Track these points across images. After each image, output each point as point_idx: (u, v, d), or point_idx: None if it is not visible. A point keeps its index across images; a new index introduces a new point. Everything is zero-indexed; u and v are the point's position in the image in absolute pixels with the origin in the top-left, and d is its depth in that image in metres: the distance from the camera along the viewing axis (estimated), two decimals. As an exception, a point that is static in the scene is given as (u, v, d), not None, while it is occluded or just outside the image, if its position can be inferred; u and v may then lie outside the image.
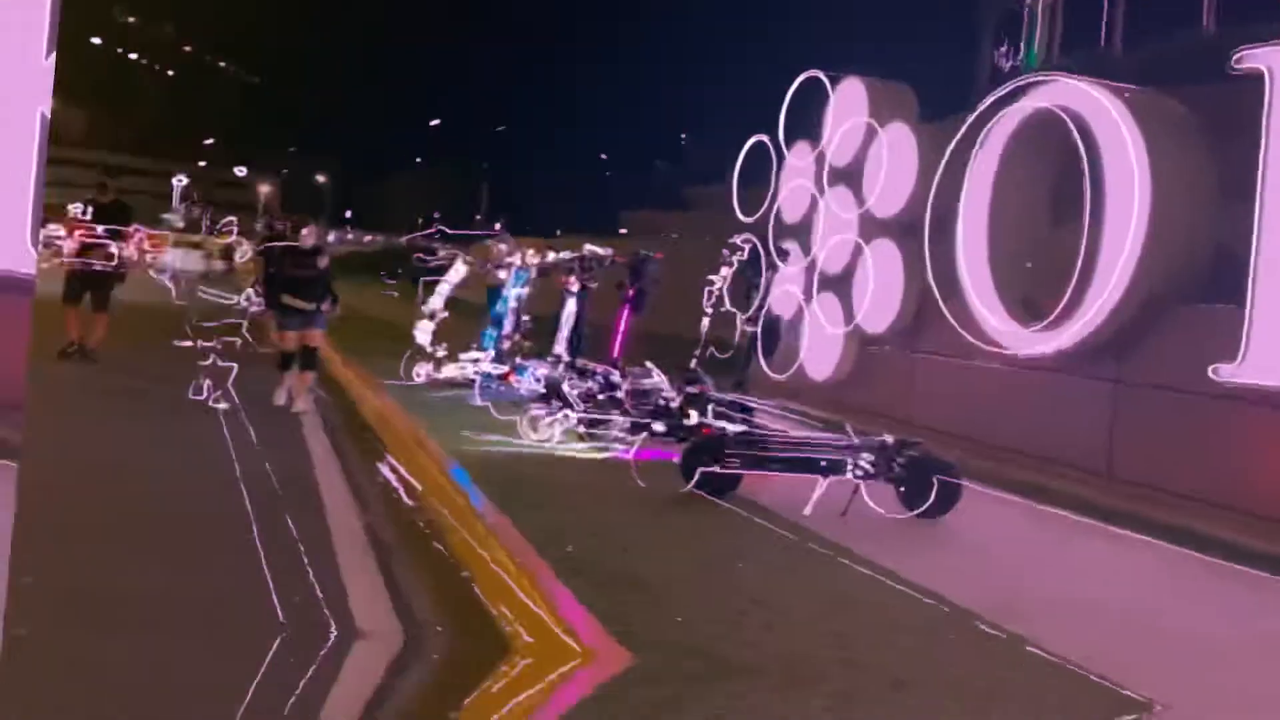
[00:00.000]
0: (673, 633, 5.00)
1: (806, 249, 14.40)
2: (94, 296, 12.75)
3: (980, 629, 5.49)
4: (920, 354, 13.04)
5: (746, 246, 10.62)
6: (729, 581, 6.00)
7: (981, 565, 7.06)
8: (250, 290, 10.86)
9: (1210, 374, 8.55)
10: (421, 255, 11.92)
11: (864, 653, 4.95)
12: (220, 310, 10.41)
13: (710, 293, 10.45)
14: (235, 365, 10.53)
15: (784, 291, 13.80)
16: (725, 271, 10.42)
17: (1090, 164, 9.68)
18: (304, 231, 10.92)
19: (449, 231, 11.98)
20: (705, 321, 10.52)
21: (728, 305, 10.53)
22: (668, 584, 5.79)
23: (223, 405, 10.10)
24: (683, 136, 74.98)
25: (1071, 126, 9.85)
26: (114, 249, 11.95)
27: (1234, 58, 8.58)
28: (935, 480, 7.78)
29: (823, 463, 7.87)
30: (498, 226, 13.58)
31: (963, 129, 11.29)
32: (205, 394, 10.23)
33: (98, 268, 12.28)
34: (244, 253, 11.06)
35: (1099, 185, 9.64)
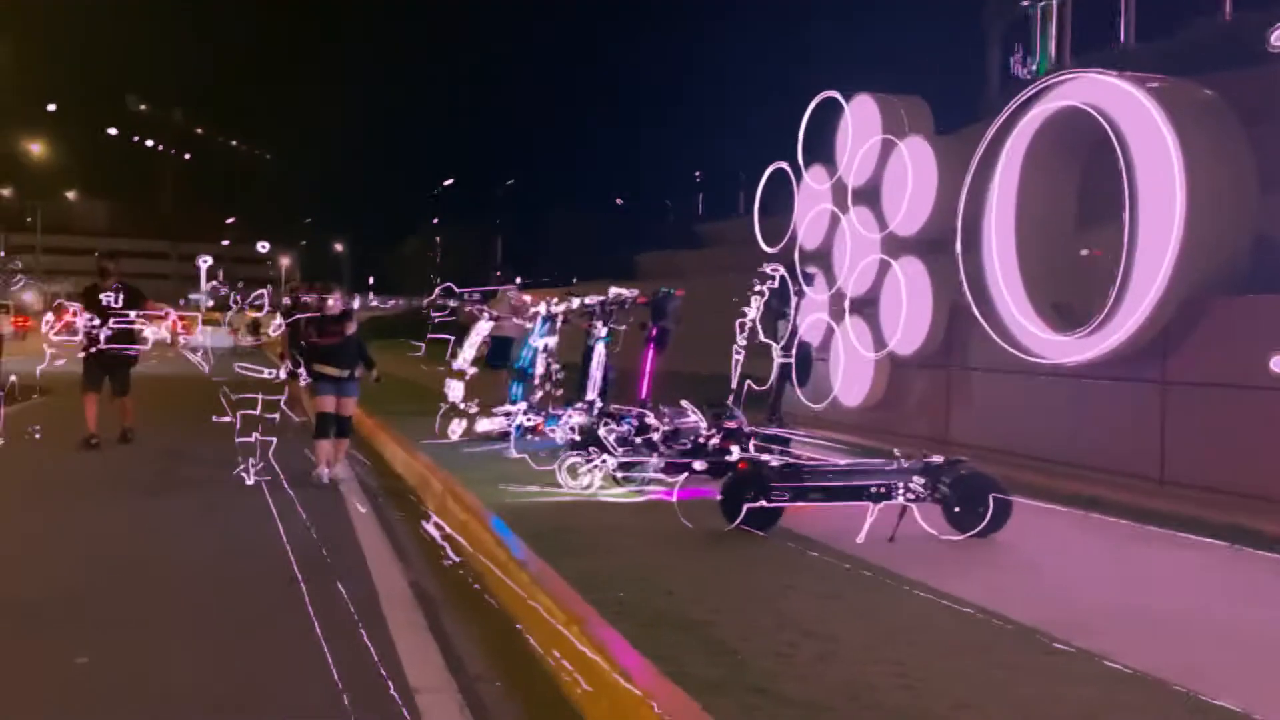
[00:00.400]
0: (727, 671, 4.86)
1: (831, 273, 14.30)
2: (114, 382, 12.99)
3: (1046, 645, 5.33)
4: (955, 370, 12.88)
5: (776, 275, 10.49)
6: (779, 614, 5.85)
7: (1038, 581, 6.89)
8: (285, 365, 10.85)
9: (1273, 367, 8.36)
10: (431, 314, 11.91)
11: (925, 678, 4.80)
12: (257, 384, 10.41)
13: (741, 325, 10.33)
14: (276, 439, 10.54)
15: (812, 318, 13.69)
16: (756, 302, 10.29)
17: (1124, 159, 9.48)
18: (330, 298, 10.93)
19: (456, 289, 11.95)
20: (739, 355, 10.38)
21: (761, 336, 10.41)
22: (717, 621, 5.66)
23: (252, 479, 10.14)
24: (696, 175, 75.38)
25: (1103, 121, 9.62)
26: (84, 325, 12.01)
27: (1272, 35, 8.41)
28: (989, 498, 7.62)
29: (871, 489, 7.73)
30: (517, 280, 13.56)
31: (988, 134, 11.14)
32: (250, 473, 10.25)
33: (112, 352, 12.35)
34: (276, 326, 11.00)
35: (1133, 180, 9.44)
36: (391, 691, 5.04)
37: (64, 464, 12.01)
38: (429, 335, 11.92)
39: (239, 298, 12.13)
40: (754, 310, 10.32)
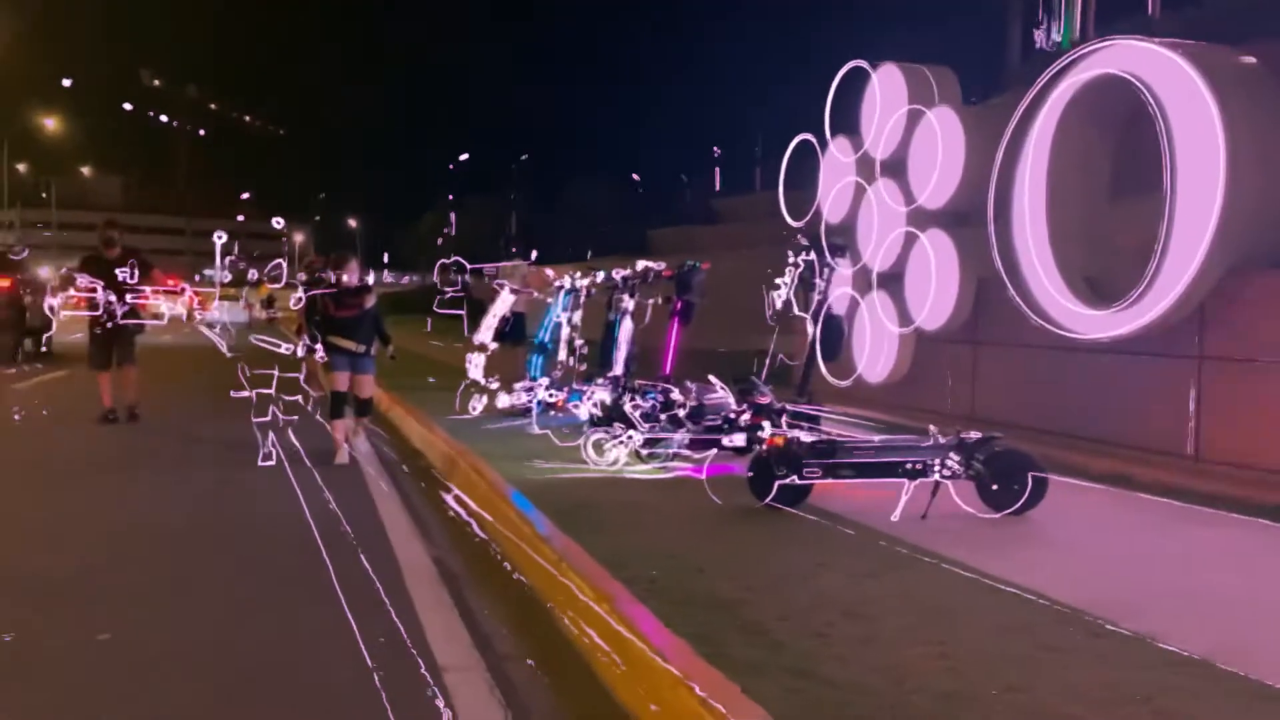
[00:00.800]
0: (765, 652, 4.72)
1: (855, 247, 14.09)
2: (119, 350, 12.91)
3: (1093, 626, 5.17)
4: (982, 346, 12.69)
5: (811, 245, 10.28)
6: (815, 593, 5.71)
7: (1078, 560, 6.72)
8: (302, 340, 10.62)
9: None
10: (441, 289, 11.71)
11: (970, 660, 4.65)
12: (274, 359, 10.23)
13: (775, 299, 10.14)
14: (296, 416, 10.37)
15: (837, 293, 13.50)
16: (791, 274, 10.08)
17: (1163, 127, 9.21)
18: (347, 269, 10.66)
19: (466, 264, 11.76)
20: (775, 328, 10.17)
21: (795, 310, 10.22)
22: (751, 600, 5.52)
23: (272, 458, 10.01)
24: (715, 150, 74.93)
25: (1141, 89, 9.35)
26: (102, 301, 11.72)
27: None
28: (1027, 476, 7.46)
29: (907, 465, 7.57)
30: (533, 255, 13.37)
31: (1022, 105, 10.87)
32: (269, 452, 10.10)
33: (98, 330, 12.21)
34: (297, 300, 10.74)
35: (1173, 149, 9.18)
36: (423, 670, 4.92)
37: (82, 440, 11.95)
38: (435, 310, 11.68)
39: (256, 271, 11.87)
40: (788, 283, 10.10)
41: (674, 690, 4.31)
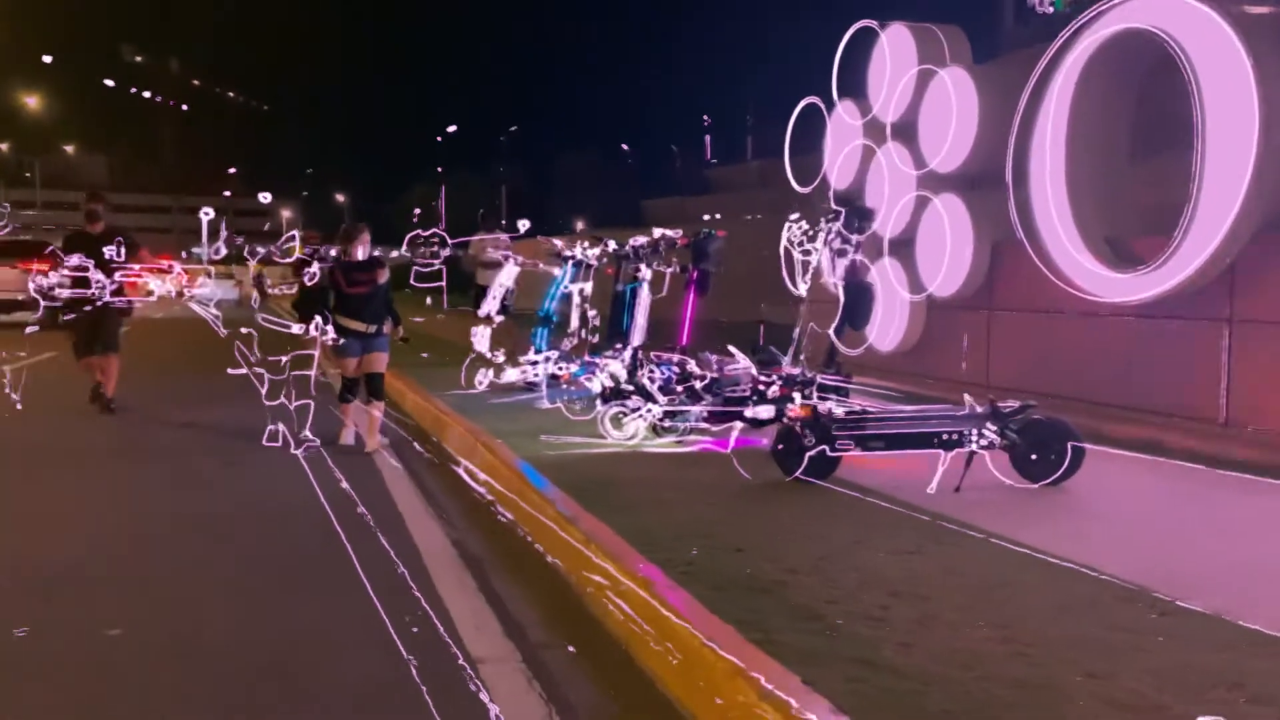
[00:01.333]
0: (820, 639, 4.48)
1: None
2: (102, 335, 11.93)
3: (1160, 603, 4.93)
4: (997, 312, 12.43)
5: (841, 211, 9.96)
6: (860, 573, 5.46)
7: (1125, 531, 6.49)
8: (319, 317, 9.91)
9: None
10: (419, 262, 11.25)
11: (1037, 642, 4.41)
12: (285, 340, 9.84)
13: (805, 265, 9.84)
14: (311, 403, 9.90)
15: (846, 260, 13.22)
16: (821, 240, 9.77)
17: (1193, 82, 8.91)
18: (359, 242, 10.04)
19: (447, 237, 11.33)
20: (804, 298, 9.86)
21: (826, 277, 9.91)
22: (795, 582, 5.27)
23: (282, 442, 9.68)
24: (705, 119, 74.45)
25: (1170, 43, 9.04)
26: (96, 281, 11.00)
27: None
28: (1066, 445, 7.23)
29: (943, 436, 7.32)
30: (520, 226, 12.98)
31: (1042, 62, 10.55)
32: (280, 439, 9.73)
33: (89, 308, 11.31)
34: (311, 275, 10.02)
35: (1202, 105, 8.87)
36: (460, 662, 4.68)
37: (80, 426, 11.59)
38: (412, 284, 11.15)
39: (251, 250, 11.38)
40: (818, 251, 9.78)
41: (731, 681, 4.06)
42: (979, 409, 7.42)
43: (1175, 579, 5.27)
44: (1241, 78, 8.61)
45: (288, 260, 12.07)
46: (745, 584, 5.27)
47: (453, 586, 5.87)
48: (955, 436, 7.30)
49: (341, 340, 9.79)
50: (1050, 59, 10.53)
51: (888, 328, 13.63)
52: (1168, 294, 9.36)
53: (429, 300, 12.34)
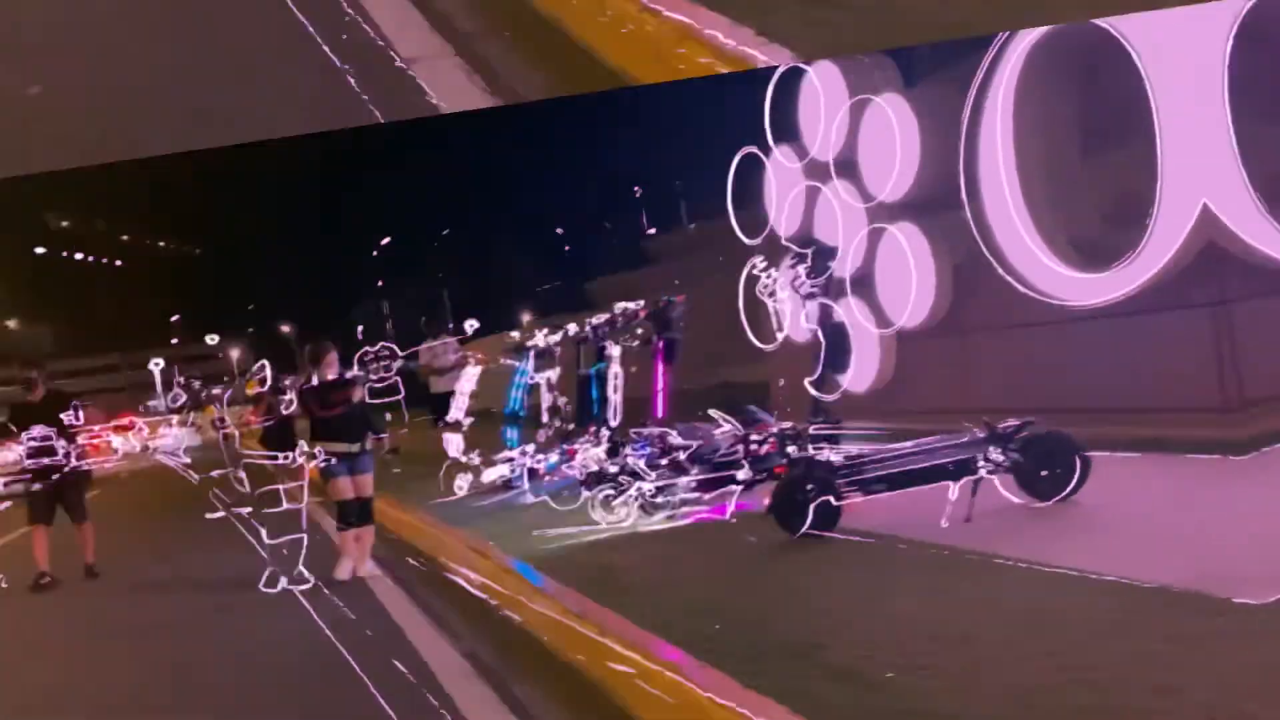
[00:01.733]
0: (869, 696, 4.20)
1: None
2: (68, 508, 11.08)
3: (1213, 606, 4.67)
4: (970, 334, 12.23)
5: (806, 253, 9.77)
6: (893, 622, 5.19)
7: (1153, 536, 6.22)
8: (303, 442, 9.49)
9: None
10: (372, 379, 10.88)
11: (1094, 665, 4.15)
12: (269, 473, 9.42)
13: (779, 317, 9.60)
14: (304, 535, 9.43)
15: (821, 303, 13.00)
16: (786, 291, 9.53)
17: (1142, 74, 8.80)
18: (326, 362, 9.67)
19: (398, 351, 11.01)
20: (774, 350, 9.60)
21: (791, 325, 9.68)
22: (829, 644, 4.98)
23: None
24: (635, 190, 75.07)
25: (1121, 38, 8.92)
26: (62, 448, 10.59)
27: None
28: (1072, 459, 7.01)
29: (949, 466, 7.09)
30: (467, 327, 12.61)
31: (978, 76, 10.46)
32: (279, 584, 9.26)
33: (58, 475, 10.81)
34: (288, 404, 9.61)
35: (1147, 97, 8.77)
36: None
37: (67, 604, 10.95)
38: (368, 400, 10.74)
39: (208, 392, 10.91)
40: (785, 299, 9.55)
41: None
42: (978, 433, 7.21)
43: (1217, 577, 5.01)
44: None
45: (250, 393, 11.65)
46: (777, 652, 5.00)
47: (474, 701, 5.52)
48: (960, 465, 7.07)
49: (327, 464, 9.35)
50: (986, 70, 10.47)
51: (861, 367, 13.41)
52: (1150, 283, 9.18)
53: (388, 415, 11.97)
